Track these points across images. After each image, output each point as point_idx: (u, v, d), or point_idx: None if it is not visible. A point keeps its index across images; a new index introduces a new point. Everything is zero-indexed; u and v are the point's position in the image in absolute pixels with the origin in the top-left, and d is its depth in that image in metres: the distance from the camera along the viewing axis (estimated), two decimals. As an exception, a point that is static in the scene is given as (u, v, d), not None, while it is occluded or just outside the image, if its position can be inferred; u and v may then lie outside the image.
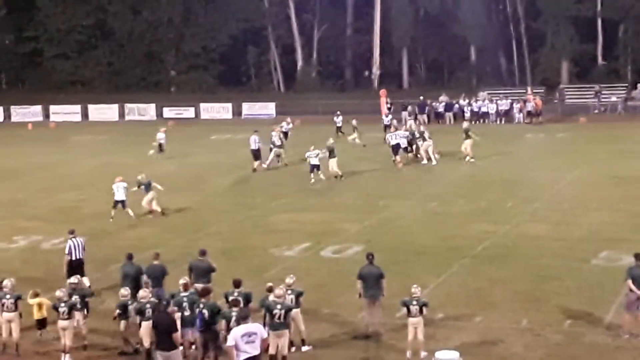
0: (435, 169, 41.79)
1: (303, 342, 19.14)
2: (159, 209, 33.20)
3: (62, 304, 18.98)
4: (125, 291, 19.77)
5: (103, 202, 35.90)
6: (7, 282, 19.92)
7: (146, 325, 18.63)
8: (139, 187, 33.39)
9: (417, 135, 43.84)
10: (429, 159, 42.87)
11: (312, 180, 39.05)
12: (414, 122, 50.97)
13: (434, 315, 20.39)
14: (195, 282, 20.26)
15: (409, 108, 61.45)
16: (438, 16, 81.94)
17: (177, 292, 19.25)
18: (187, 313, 18.39)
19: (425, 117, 61.73)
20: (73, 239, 24.04)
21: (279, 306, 17.85)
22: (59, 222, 31.59)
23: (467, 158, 43.08)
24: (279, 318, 17.80)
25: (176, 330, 17.17)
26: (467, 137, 43.48)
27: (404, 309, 18.69)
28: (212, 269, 21.17)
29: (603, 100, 65.07)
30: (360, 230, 30.05)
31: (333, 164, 39.62)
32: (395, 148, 42.90)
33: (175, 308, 18.57)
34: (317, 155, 39.38)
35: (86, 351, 19.51)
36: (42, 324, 20.42)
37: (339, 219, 31.63)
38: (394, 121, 50.81)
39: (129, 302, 19.35)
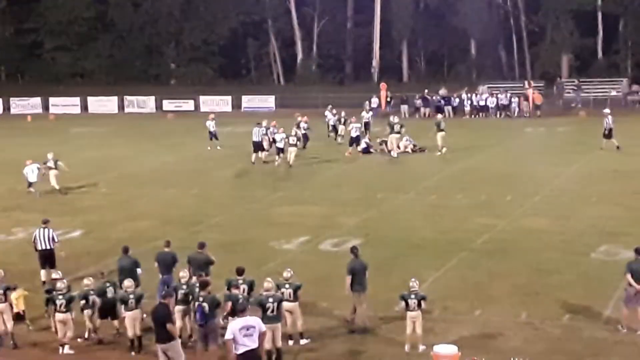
0: (432, 161, 41.90)
1: (301, 335, 19.14)
2: (56, 187, 36.32)
3: (60, 297, 18.96)
4: (87, 281, 19.86)
5: (102, 195, 36.00)
6: None
7: (130, 316, 18.79)
8: (46, 164, 36.72)
9: (393, 127, 44.28)
10: (391, 150, 43.70)
11: (277, 161, 41.24)
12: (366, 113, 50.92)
13: (433, 309, 20.39)
14: (194, 274, 20.27)
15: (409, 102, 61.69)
16: (438, 9, 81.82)
17: (178, 284, 19.40)
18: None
19: (427, 110, 61.80)
20: (41, 229, 23.98)
21: (270, 299, 17.91)
22: (58, 214, 31.51)
23: (442, 150, 43.71)
24: (272, 311, 17.85)
25: (171, 321, 17.16)
26: (439, 130, 43.97)
27: (403, 303, 18.71)
28: (210, 262, 21.14)
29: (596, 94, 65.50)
30: (359, 223, 30.02)
31: (291, 151, 41.24)
32: (354, 140, 44.58)
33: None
34: (282, 139, 41.42)
35: (81, 341, 19.51)
36: (19, 317, 20.27)
37: (338, 213, 31.60)
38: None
39: (91, 292, 19.45)
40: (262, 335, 16.10)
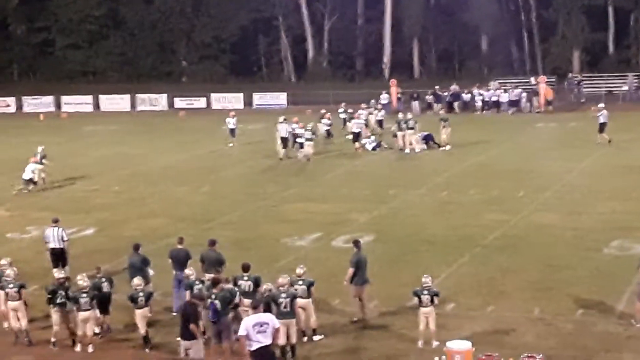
0: (441, 158, 41.90)
1: (314, 332, 19.20)
2: (40, 179, 37.36)
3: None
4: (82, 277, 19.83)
5: (115, 192, 36.12)
6: (9, 271, 19.91)
7: (140, 313, 18.91)
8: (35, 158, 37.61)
9: (404, 124, 44.30)
10: (402, 148, 43.88)
11: (299, 156, 42.26)
12: (366, 113, 50.67)
13: (445, 305, 20.44)
14: (206, 272, 20.35)
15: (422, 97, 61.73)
16: (448, 5, 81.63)
17: (192, 281, 19.40)
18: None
19: (439, 106, 61.74)
20: (51, 228, 24.16)
21: (283, 295, 18.01)
22: (71, 212, 31.72)
23: (446, 147, 43.97)
24: (285, 307, 17.94)
25: (194, 321, 17.23)
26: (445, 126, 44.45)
27: (415, 299, 18.75)
28: (221, 261, 21.18)
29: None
30: (371, 220, 30.06)
31: (307, 145, 42.41)
32: (356, 136, 45.20)
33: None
34: (302, 134, 42.52)
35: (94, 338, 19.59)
36: None
37: (350, 209, 31.63)
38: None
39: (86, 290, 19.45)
40: (276, 332, 16.17)
